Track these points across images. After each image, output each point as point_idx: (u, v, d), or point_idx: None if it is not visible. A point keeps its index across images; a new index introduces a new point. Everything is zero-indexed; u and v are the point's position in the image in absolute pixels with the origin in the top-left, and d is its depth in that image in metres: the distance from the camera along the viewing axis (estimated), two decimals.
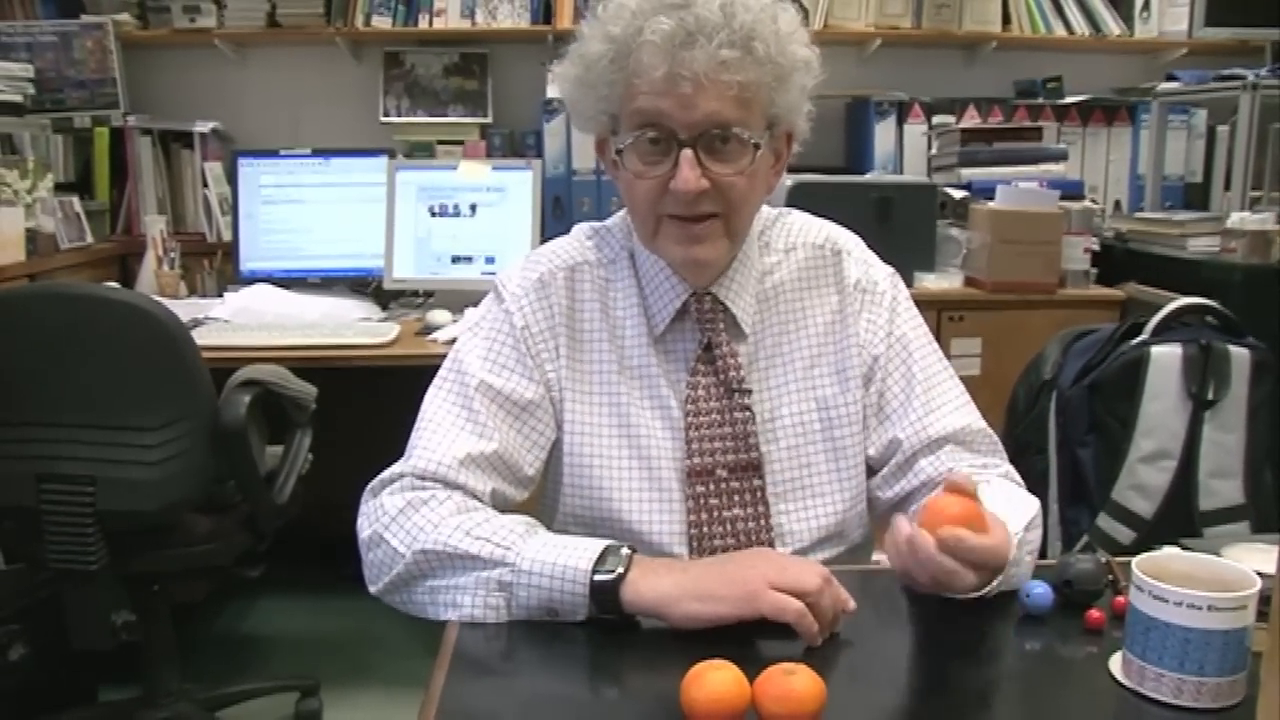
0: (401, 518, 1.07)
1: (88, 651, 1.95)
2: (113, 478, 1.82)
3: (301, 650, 2.66)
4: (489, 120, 3.08)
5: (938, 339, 1.28)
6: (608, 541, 1.02)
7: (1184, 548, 0.98)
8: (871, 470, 1.24)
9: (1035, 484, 1.82)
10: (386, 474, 1.13)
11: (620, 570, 0.99)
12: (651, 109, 1.08)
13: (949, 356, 1.28)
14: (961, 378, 1.28)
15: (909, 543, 0.97)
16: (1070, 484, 1.86)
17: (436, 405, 1.17)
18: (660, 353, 1.21)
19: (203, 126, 3.03)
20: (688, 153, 1.08)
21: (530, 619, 1.01)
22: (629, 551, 1.01)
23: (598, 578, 0.99)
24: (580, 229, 1.28)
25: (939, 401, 1.21)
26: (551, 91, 2.97)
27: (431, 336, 2.39)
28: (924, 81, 3.16)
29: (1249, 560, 0.93)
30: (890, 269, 1.29)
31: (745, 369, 1.20)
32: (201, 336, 2.14)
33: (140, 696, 2.14)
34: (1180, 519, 1.78)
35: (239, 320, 2.51)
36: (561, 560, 1.00)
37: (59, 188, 2.79)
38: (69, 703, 2.23)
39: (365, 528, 1.11)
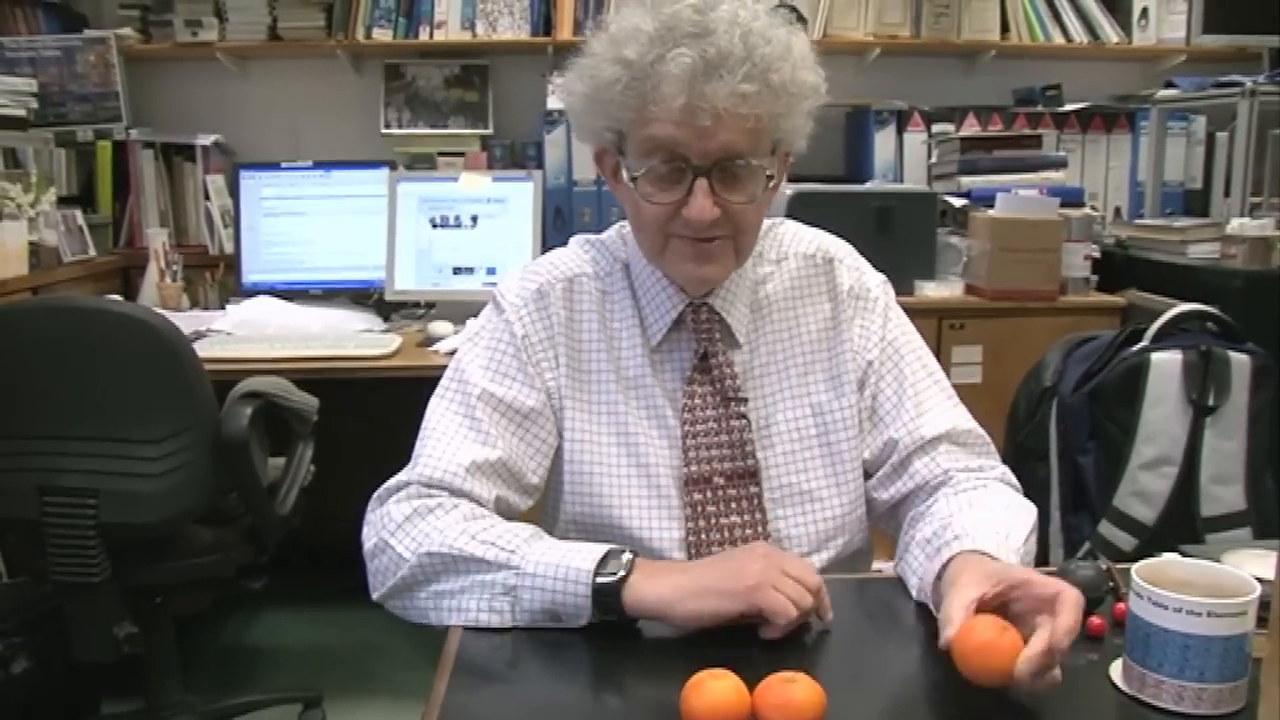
0: (408, 524, 1.08)
1: (90, 664, 1.95)
2: (115, 490, 1.82)
3: (304, 661, 2.66)
4: (490, 131, 3.09)
5: (938, 347, 1.29)
6: (610, 546, 1.03)
7: (1184, 554, 0.98)
8: (868, 473, 1.24)
9: (1037, 491, 1.83)
10: (392, 482, 1.14)
11: (622, 573, 1.00)
12: (666, 138, 1.08)
13: (950, 364, 1.28)
14: (962, 385, 1.28)
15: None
16: (1071, 491, 1.86)
17: (440, 414, 1.18)
18: (656, 363, 1.22)
19: (204, 139, 3.04)
20: (702, 182, 1.09)
21: (534, 624, 1.02)
22: (631, 555, 1.02)
23: (600, 580, 0.99)
24: (576, 241, 1.29)
25: (930, 404, 1.22)
26: (552, 103, 2.98)
27: (433, 348, 2.39)
28: (923, 90, 3.16)
29: (1249, 566, 0.93)
30: (882, 276, 1.30)
31: (741, 377, 1.21)
32: (203, 349, 2.15)
33: (143, 709, 2.14)
34: (1182, 525, 1.78)
35: (241, 332, 2.51)
36: (565, 562, 1.01)
37: (62, 201, 2.80)
38: (72, 715, 2.23)
39: (370, 536, 1.11)
